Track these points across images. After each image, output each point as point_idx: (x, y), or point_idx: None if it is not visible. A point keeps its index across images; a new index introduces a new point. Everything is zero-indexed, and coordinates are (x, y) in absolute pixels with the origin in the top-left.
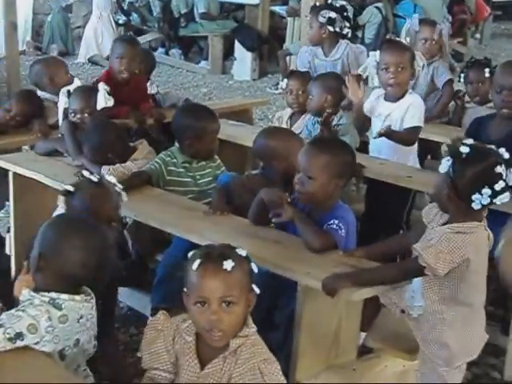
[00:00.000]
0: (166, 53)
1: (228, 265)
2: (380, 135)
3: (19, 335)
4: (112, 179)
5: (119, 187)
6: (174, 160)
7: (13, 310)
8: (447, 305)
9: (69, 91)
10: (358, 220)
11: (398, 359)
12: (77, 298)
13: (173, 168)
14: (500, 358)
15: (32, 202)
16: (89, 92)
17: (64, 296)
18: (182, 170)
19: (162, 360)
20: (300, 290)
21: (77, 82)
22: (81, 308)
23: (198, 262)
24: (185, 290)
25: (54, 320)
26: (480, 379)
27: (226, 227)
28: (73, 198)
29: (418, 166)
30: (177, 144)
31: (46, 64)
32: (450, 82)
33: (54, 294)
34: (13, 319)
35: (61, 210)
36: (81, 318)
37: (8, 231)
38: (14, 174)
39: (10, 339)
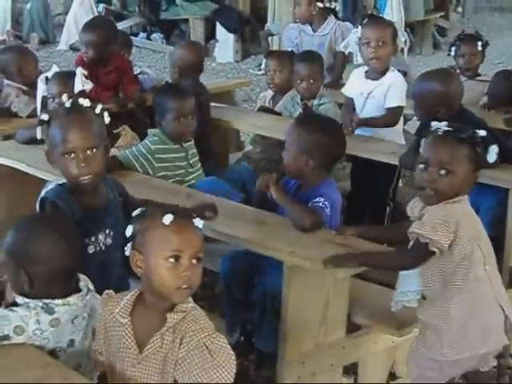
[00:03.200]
0: (148, 37)
1: (199, 223)
2: (357, 126)
3: (5, 337)
4: (86, 102)
5: (98, 108)
6: (165, 146)
7: (5, 310)
8: (449, 287)
9: (47, 77)
10: (345, 198)
11: (386, 335)
12: (71, 300)
13: (162, 155)
14: None
15: (14, 190)
16: (67, 77)
17: (57, 301)
18: (175, 154)
19: (97, 342)
20: (286, 269)
21: (55, 68)
22: (75, 310)
23: (169, 217)
24: (133, 250)
25: (44, 324)
26: None
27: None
28: (49, 128)
29: (403, 142)
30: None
31: (18, 53)
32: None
33: (46, 300)
34: (2, 320)
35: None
36: (75, 318)
37: None
38: None
39: None
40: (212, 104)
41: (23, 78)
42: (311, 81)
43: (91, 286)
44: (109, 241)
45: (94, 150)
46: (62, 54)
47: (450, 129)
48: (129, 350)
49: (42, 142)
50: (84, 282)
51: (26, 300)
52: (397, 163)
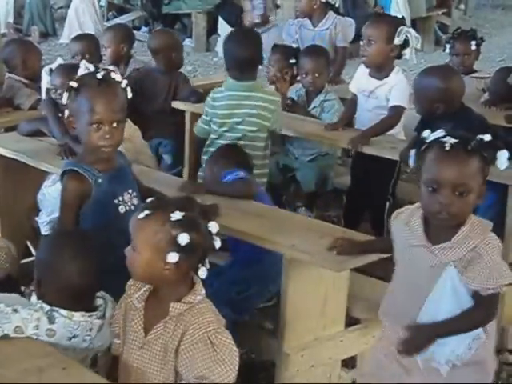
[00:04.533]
0: (150, 31)
1: (177, 216)
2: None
3: (5, 336)
4: (117, 77)
5: (124, 83)
6: None
7: (9, 308)
8: None
9: (51, 69)
10: (344, 193)
11: None
12: (75, 316)
13: None
14: None
15: (16, 181)
16: (70, 68)
17: (62, 311)
18: None
19: (116, 324)
20: (285, 262)
21: (59, 61)
22: (75, 328)
23: (145, 213)
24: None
25: (41, 330)
26: None
27: (209, 202)
28: (76, 96)
29: (403, 138)
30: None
31: (22, 47)
32: None
33: (54, 307)
34: (3, 319)
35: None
36: (74, 337)
37: None
38: None
39: None
40: None
41: (27, 71)
42: (316, 75)
43: (108, 314)
44: (135, 201)
45: (119, 123)
46: (64, 47)
47: (456, 140)
48: (136, 334)
49: (43, 134)
50: (103, 306)
51: (37, 301)
52: (397, 158)
